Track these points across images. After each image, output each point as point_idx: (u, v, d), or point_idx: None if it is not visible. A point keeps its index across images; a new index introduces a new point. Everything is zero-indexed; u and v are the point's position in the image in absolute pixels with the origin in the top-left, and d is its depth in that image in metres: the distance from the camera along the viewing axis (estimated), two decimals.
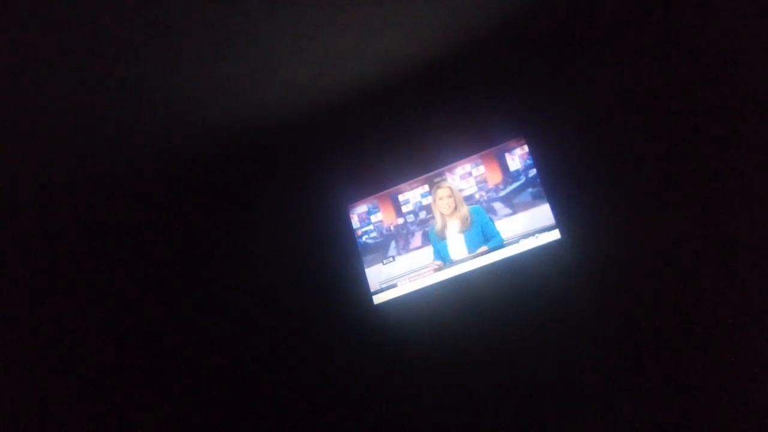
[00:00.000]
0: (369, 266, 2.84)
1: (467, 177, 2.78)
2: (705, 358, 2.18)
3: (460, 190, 2.78)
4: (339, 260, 2.92)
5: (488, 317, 2.60)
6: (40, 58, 1.90)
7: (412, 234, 2.84)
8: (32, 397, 2.56)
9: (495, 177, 2.74)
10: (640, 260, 2.37)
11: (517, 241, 2.62)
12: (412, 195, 2.86)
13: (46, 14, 1.73)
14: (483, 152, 2.76)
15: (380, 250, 2.86)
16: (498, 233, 2.67)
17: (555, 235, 2.55)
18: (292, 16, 2.02)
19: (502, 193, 2.72)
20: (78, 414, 2.63)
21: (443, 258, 2.74)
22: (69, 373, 2.68)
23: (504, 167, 2.73)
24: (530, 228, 2.61)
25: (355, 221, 2.91)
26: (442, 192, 2.78)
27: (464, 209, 2.76)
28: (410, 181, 2.86)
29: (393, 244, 2.85)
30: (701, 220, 2.28)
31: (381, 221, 2.89)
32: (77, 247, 2.89)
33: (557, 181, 2.60)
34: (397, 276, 2.78)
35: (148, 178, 2.86)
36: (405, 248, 2.83)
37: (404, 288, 2.75)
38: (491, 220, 2.70)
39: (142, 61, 2.04)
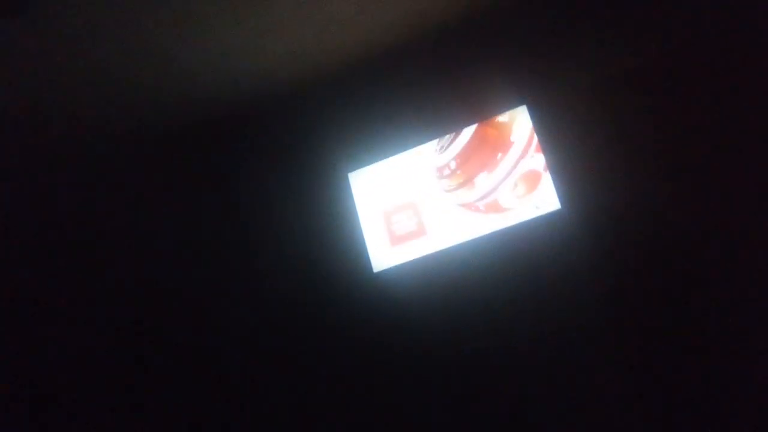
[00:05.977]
0: None
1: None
2: (702, 332, 2.15)
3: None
4: (338, 227, 2.85)
5: (488, 286, 2.54)
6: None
7: None
8: (32, 396, 2.64)
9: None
10: (644, 234, 2.31)
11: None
12: None
13: None
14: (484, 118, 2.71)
15: None
16: None
17: (556, 205, 2.48)
18: None
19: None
20: (78, 414, 2.71)
21: None
22: (68, 372, 2.75)
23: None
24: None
25: None
26: None
27: None
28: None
29: None
30: (708, 192, 2.23)
31: None
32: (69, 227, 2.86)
33: (560, 150, 2.53)
34: None
35: (147, 139, 2.85)
36: None
37: (403, 256, 2.71)
38: None
39: (140, 26, 2.06)
